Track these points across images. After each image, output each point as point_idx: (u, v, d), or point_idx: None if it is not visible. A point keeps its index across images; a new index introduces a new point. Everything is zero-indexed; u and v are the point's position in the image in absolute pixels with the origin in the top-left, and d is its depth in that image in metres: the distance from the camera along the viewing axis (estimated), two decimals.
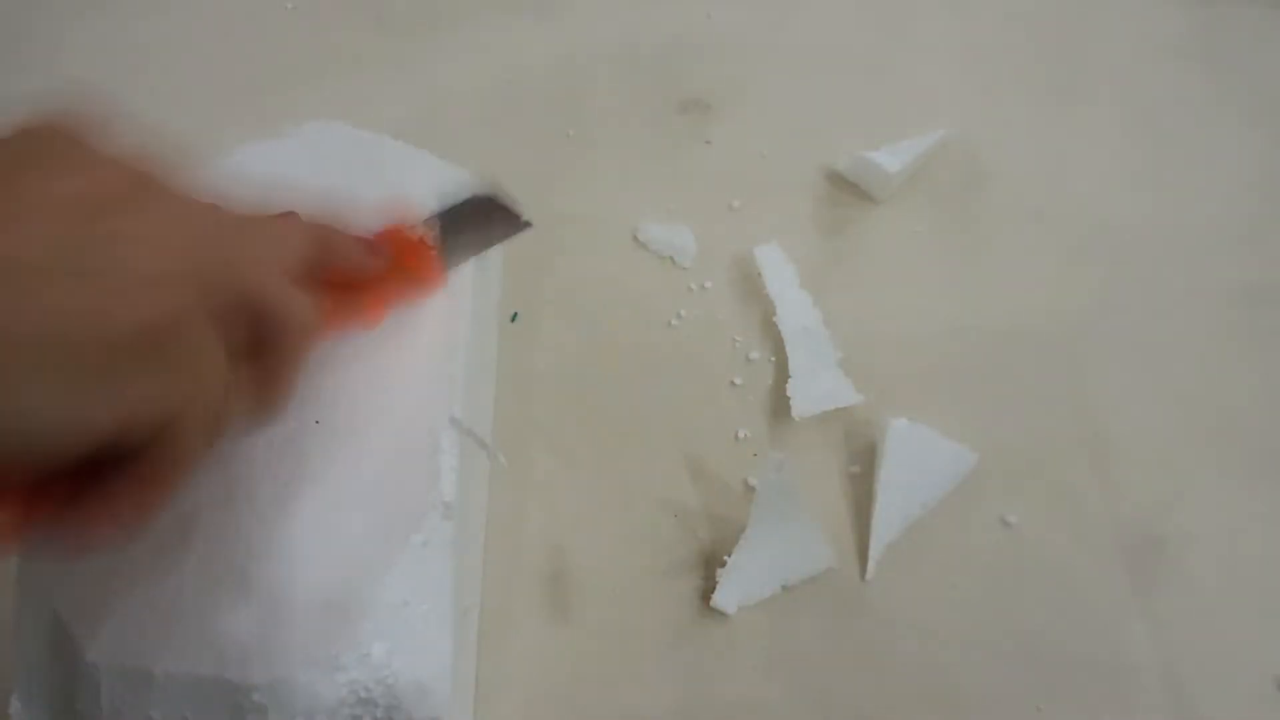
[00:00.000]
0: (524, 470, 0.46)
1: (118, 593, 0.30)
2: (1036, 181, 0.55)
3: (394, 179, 0.40)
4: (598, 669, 0.41)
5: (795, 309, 0.49)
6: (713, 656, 0.42)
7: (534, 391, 0.48)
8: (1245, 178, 0.55)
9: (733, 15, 0.61)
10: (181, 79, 0.58)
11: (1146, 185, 0.55)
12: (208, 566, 0.31)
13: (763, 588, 0.43)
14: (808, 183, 0.54)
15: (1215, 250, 0.52)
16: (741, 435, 0.47)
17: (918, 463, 0.45)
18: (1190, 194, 0.54)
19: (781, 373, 0.48)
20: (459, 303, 0.37)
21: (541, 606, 0.43)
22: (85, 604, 0.31)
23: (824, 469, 0.46)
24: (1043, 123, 0.57)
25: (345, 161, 0.41)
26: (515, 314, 0.50)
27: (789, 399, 0.46)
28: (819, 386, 0.46)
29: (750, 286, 0.51)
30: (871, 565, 0.43)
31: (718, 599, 0.42)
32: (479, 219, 0.38)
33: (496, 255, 0.49)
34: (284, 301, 0.28)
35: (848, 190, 0.54)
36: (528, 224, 0.39)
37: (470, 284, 0.38)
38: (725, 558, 0.42)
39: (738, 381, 0.48)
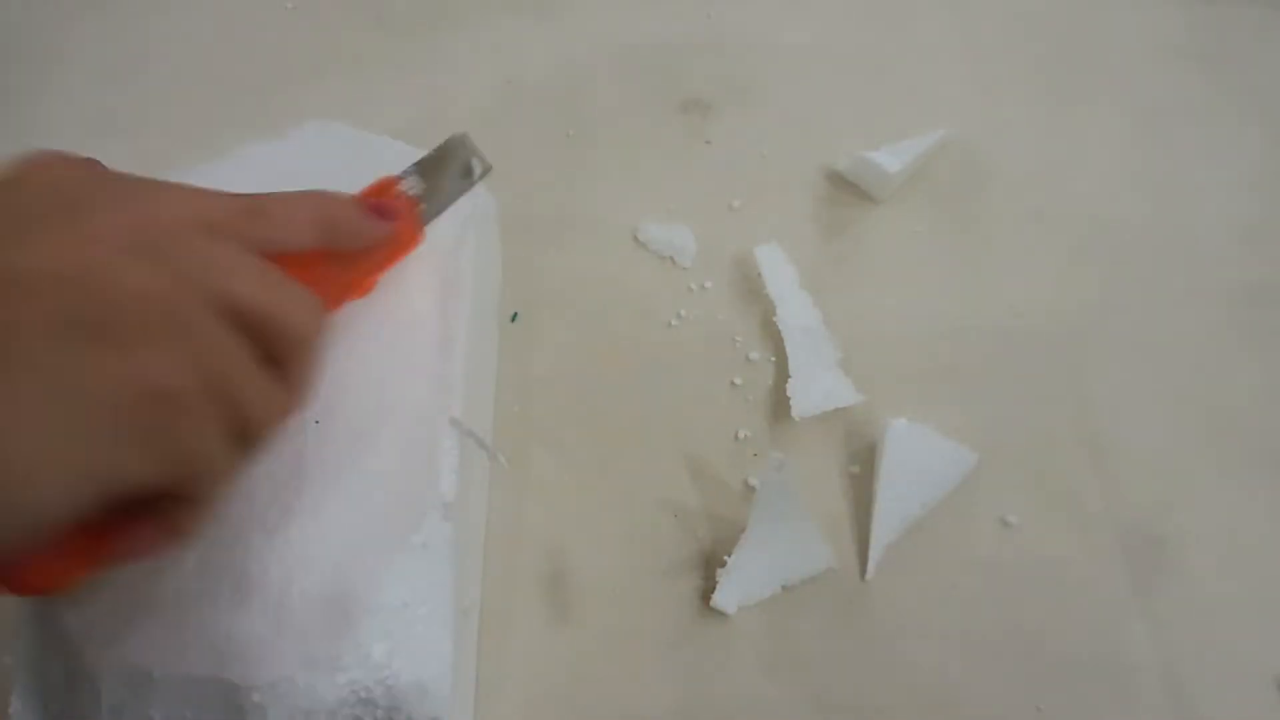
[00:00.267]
0: (524, 470, 0.46)
1: (118, 593, 0.30)
2: (1036, 181, 0.55)
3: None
4: (598, 669, 0.41)
5: (795, 309, 0.49)
6: (713, 656, 0.42)
7: (534, 391, 0.48)
8: (1245, 178, 0.55)
9: (733, 15, 0.61)
10: (181, 79, 0.58)
11: (1146, 185, 0.55)
12: (208, 566, 0.31)
13: (763, 588, 0.43)
14: (808, 183, 0.54)
15: (1215, 250, 0.52)
16: (741, 435, 0.47)
17: (918, 463, 0.45)
18: (1190, 194, 0.54)
19: (781, 373, 0.48)
20: (459, 303, 0.37)
21: (541, 606, 0.43)
22: (85, 604, 0.31)
23: (824, 469, 0.46)
24: (1043, 123, 0.57)
25: (345, 161, 0.41)
26: (515, 314, 0.50)
27: (789, 399, 0.46)
28: (819, 386, 0.46)
29: (750, 286, 0.51)
30: (871, 565, 0.43)
31: (718, 599, 0.42)
32: (450, 167, 0.37)
33: (496, 255, 0.49)
34: (290, 304, 0.28)
35: (848, 190, 0.54)
36: (488, 168, 0.39)
37: (470, 284, 0.38)
38: (725, 558, 0.42)
39: (738, 381, 0.48)
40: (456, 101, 0.57)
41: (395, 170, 0.38)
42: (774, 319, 0.49)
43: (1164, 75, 0.59)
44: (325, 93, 0.57)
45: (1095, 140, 0.56)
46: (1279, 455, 0.47)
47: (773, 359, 0.49)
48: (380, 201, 0.34)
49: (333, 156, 0.41)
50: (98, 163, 0.28)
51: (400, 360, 0.35)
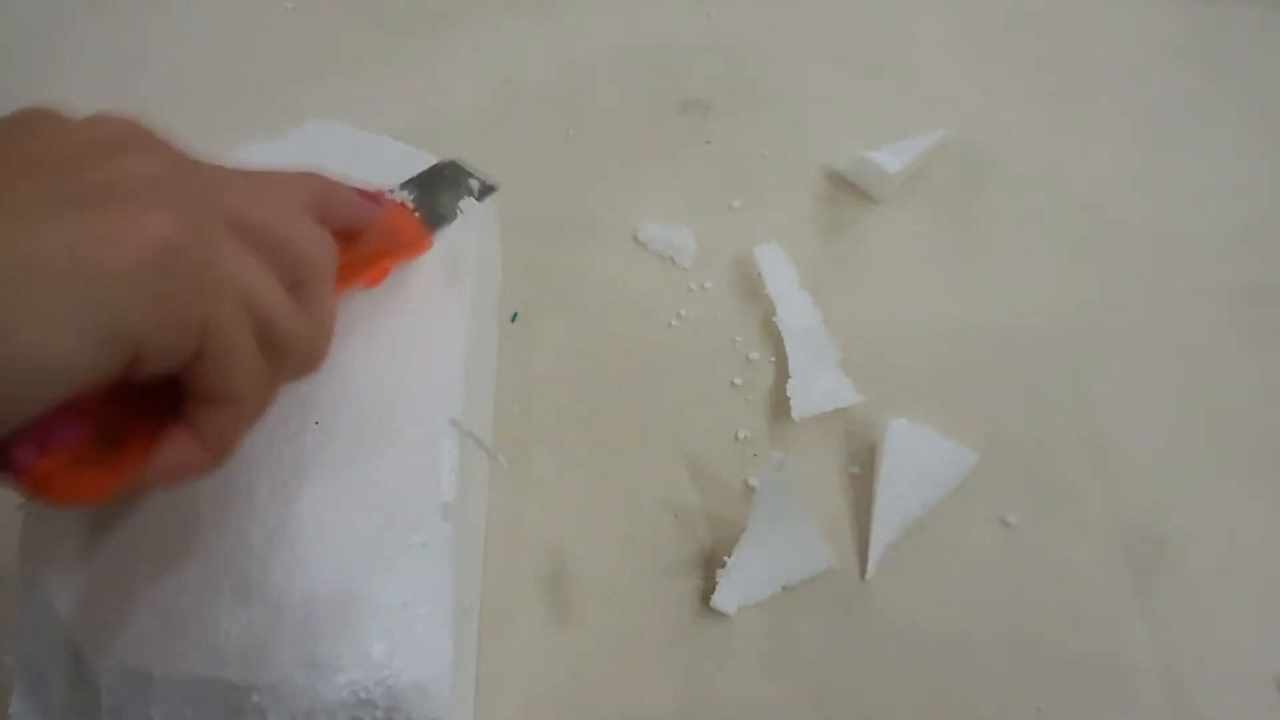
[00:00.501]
0: (524, 470, 0.46)
1: (118, 593, 0.30)
2: (1036, 181, 0.55)
3: (394, 179, 0.40)
4: (598, 669, 0.41)
5: (795, 309, 0.49)
6: (713, 656, 0.42)
7: (534, 391, 0.48)
8: (1245, 178, 0.55)
9: (733, 15, 0.61)
10: (181, 79, 0.58)
11: (1146, 185, 0.55)
12: (208, 567, 0.31)
13: (763, 588, 0.43)
14: (808, 183, 0.54)
15: (1215, 250, 0.52)
16: (741, 435, 0.47)
17: (918, 463, 0.45)
18: (1190, 194, 0.54)
19: (781, 373, 0.48)
20: (459, 303, 0.37)
21: (541, 606, 0.43)
22: (85, 604, 0.31)
23: (824, 469, 0.46)
24: (1043, 123, 0.57)
25: (345, 162, 0.40)
26: (515, 314, 0.50)
27: (789, 399, 0.46)
28: (819, 386, 0.46)
29: (750, 286, 0.51)
30: (871, 565, 0.43)
31: (718, 599, 0.42)
32: (447, 185, 0.39)
33: (496, 255, 0.49)
34: (303, 229, 0.28)
35: (848, 190, 0.54)
36: (493, 188, 0.40)
37: (470, 284, 0.38)
38: (725, 558, 0.42)
39: (738, 381, 0.48)
40: (456, 101, 0.57)
41: (395, 170, 0.38)
42: (774, 319, 0.49)
43: (1164, 75, 0.59)
44: (325, 93, 0.57)
45: (1095, 140, 0.56)
46: (1279, 455, 0.47)
47: (773, 359, 0.49)
48: (371, 191, 0.34)
49: (333, 156, 0.41)
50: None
51: (400, 361, 0.35)
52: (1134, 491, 0.45)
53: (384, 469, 0.33)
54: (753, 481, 0.45)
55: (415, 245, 0.36)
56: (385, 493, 0.33)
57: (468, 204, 0.39)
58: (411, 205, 0.37)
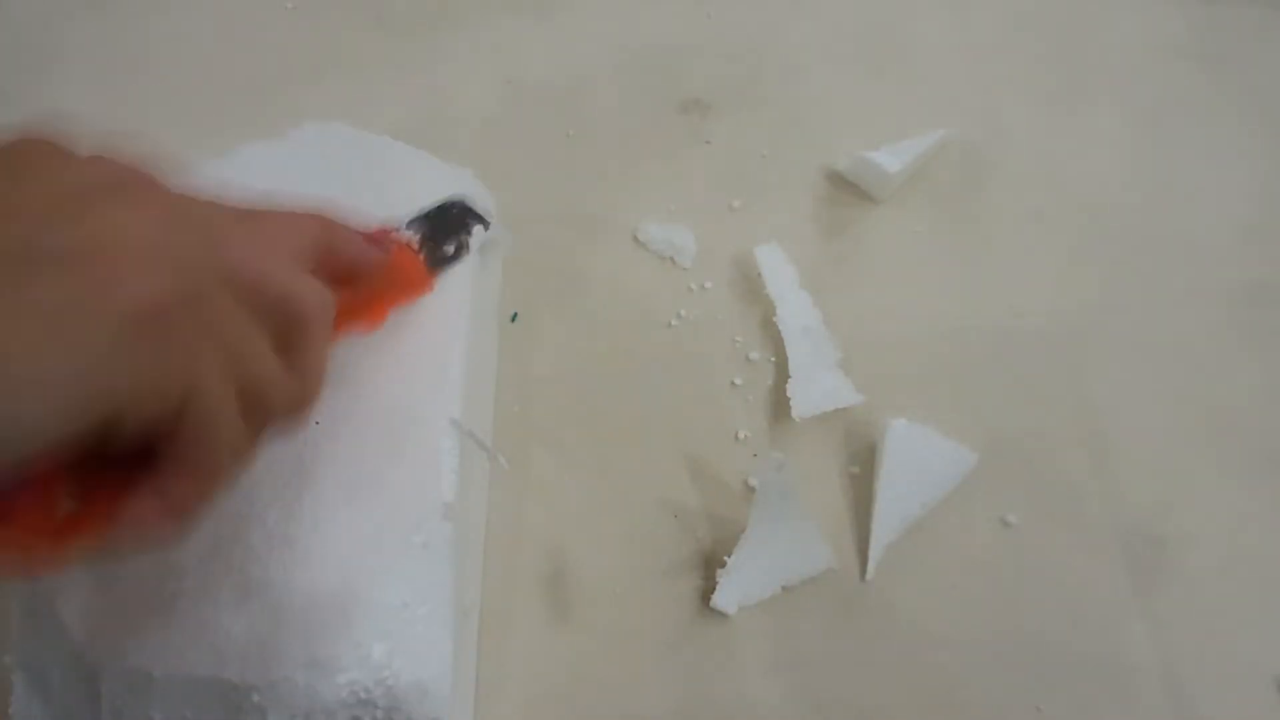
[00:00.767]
0: (524, 470, 0.46)
1: (118, 593, 0.30)
2: (1036, 181, 0.55)
3: (394, 179, 0.40)
4: (598, 669, 0.41)
5: (795, 309, 0.49)
6: (713, 656, 0.42)
7: (534, 391, 0.48)
8: (1245, 178, 0.55)
9: (733, 15, 0.61)
10: (181, 79, 0.58)
11: (1146, 185, 0.55)
12: (208, 566, 0.31)
13: (763, 588, 0.43)
14: (808, 183, 0.54)
15: (1215, 250, 0.52)
16: (741, 435, 0.47)
17: (918, 463, 0.45)
18: (1190, 194, 0.54)
19: (781, 373, 0.48)
20: (459, 303, 0.37)
21: (541, 606, 0.43)
22: (86, 604, 0.31)
23: (824, 469, 0.46)
24: (1043, 123, 0.57)
25: (345, 162, 0.41)
26: (515, 314, 0.50)
27: (789, 399, 0.46)
28: (819, 386, 0.46)
29: (750, 286, 0.51)
30: (871, 565, 0.43)
31: (718, 599, 0.42)
32: (453, 224, 0.38)
33: (496, 255, 0.49)
34: (300, 286, 0.27)
35: (848, 190, 0.54)
36: (495, 227, 0.40)
37: (470, 284, 0.38)
38: (725, 558, 0.42)
39: (738, 381, 0.48)
40: (456, 101, 0.57)
41: (395, 170, 0.38)
42: (774, 319, 0.49)
43: (1164, 75, 0.59)
44: (325, 93, 0.57)
45: (1095, 140, 0.56)
46: (1279, 455, 0.47)
47: (773, 359, 0.49)
48: (374, 233, 0.33)
49: (333, 156, 0.41)
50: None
51: (400, 361, 0.35)
52: (1134, 491, 0.45)
53: (384, 469, 0.33)
54: (753, 481, 0.45)
55: (417, 286, 0.36)
56: (385, 493, 0.33)
57: (478, 238, 0.39)
58: (416, 245, 0.36)
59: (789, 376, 0.47)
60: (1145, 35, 0.60)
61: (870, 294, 0.51)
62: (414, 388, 0.35)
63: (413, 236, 0.36)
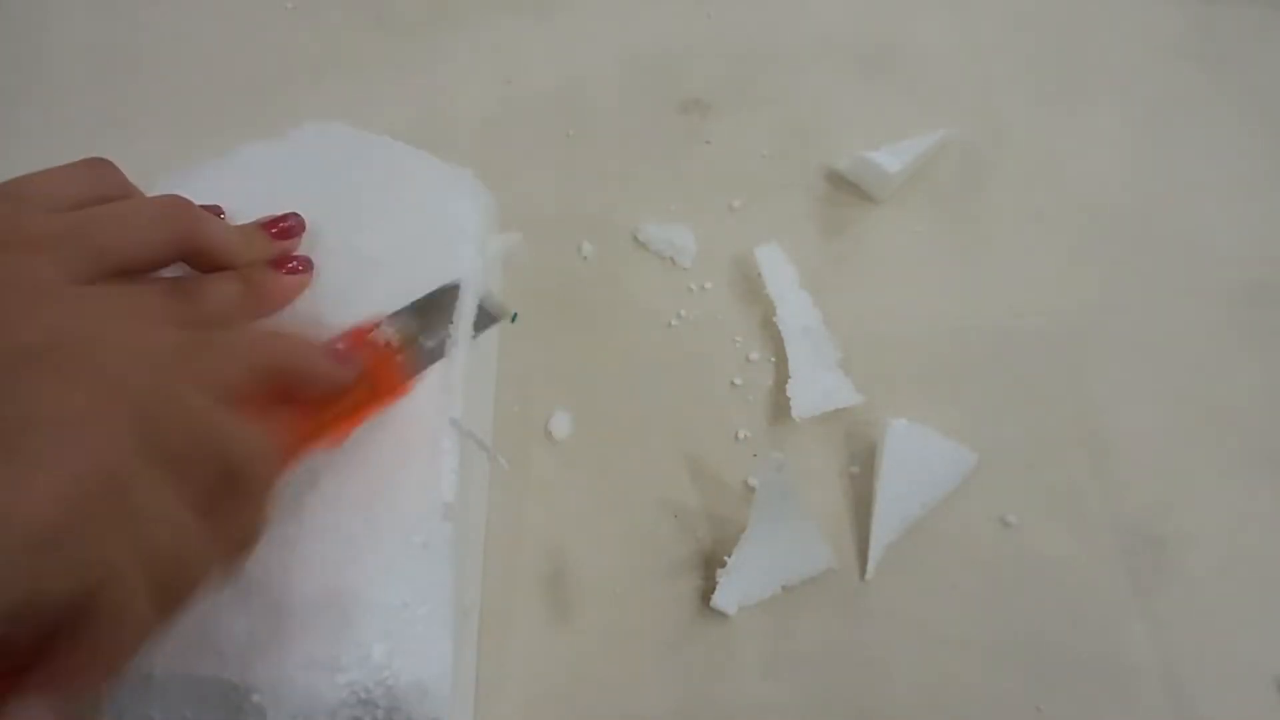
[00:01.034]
0: (524, 470, 0.46)
1: None
2: (1036, 181, 0.55)
3: (394, 179, 0.40)
4: (598, 669, 0.41)
5: (795, 309, 0.49)
6: (713, 656, 0.42)
7: (534, 392, 0.48)
8: (1245, 178, 0.55)
9: (733, 15, 0.61)
10: (181, 79, 0.58)
11: (1146, 185, 0.55)
12: None
13: (763, 588, 0.43)
14: (808, 183, 0.54)
15: (1215, 250, 0.52)
16: (741, 435, 0.47)
17: (918, 463, 0.45)
18: (1190, 194, 0.54)
19: (781, 373, 0.48)
20: (459, 304, 0.37)
21: (541, 606, 0.43)
22: None
23: (824, 469, 0.46)
24: (1043, 123, 0.57)
25: (345, 162, 0.41)
26: (515, 314, 0.50)
27: (789, 399, 0.46)
28: (819, 386, 0.46)
29: (750, 286, 0.51)
30: (871, 565, 0.43)
31: (718, 599, 0.42)
32: (443, 315, 0.35)
33: (496, 255, 0.49)
34: (236, 438, 0.25)
35: (848, 190, 0.54)
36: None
37: (471, 284, 0.38)
38: (725, 558, 0.42)
39: (738, 381, 0.48)
40: (456, 101, 0.57)
41: (395, 170, 0.38)
42: (774, 319, 0.49)
43: (1164, 75, 0.59)
44: (325, 93, 0.57)
45: (1095, 140, 0.56)
46: (1279, 455, 0.47)
47: (773, 359, 0.49)
48: (347, 338, 0.32)
49: (333, 156, 0.41)
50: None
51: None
52: (1134, 491, 0.45)
53: (384, 469, 0.33)
54: (753, 481, 0.45)
55: (390, 393, 0.33)
56: (385, 493, 0.33)
57: (469, 334, 0.35)
58: (398, 342, 0.33)
59: (789, 376, 0.47)
60: (1145, 35, 0.60)
61: (870, 294, 0.51)
62: (414, 388, 0.35)
63: (394, 335, 0.33)
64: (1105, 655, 0.42)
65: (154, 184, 0.36)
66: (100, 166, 0.31)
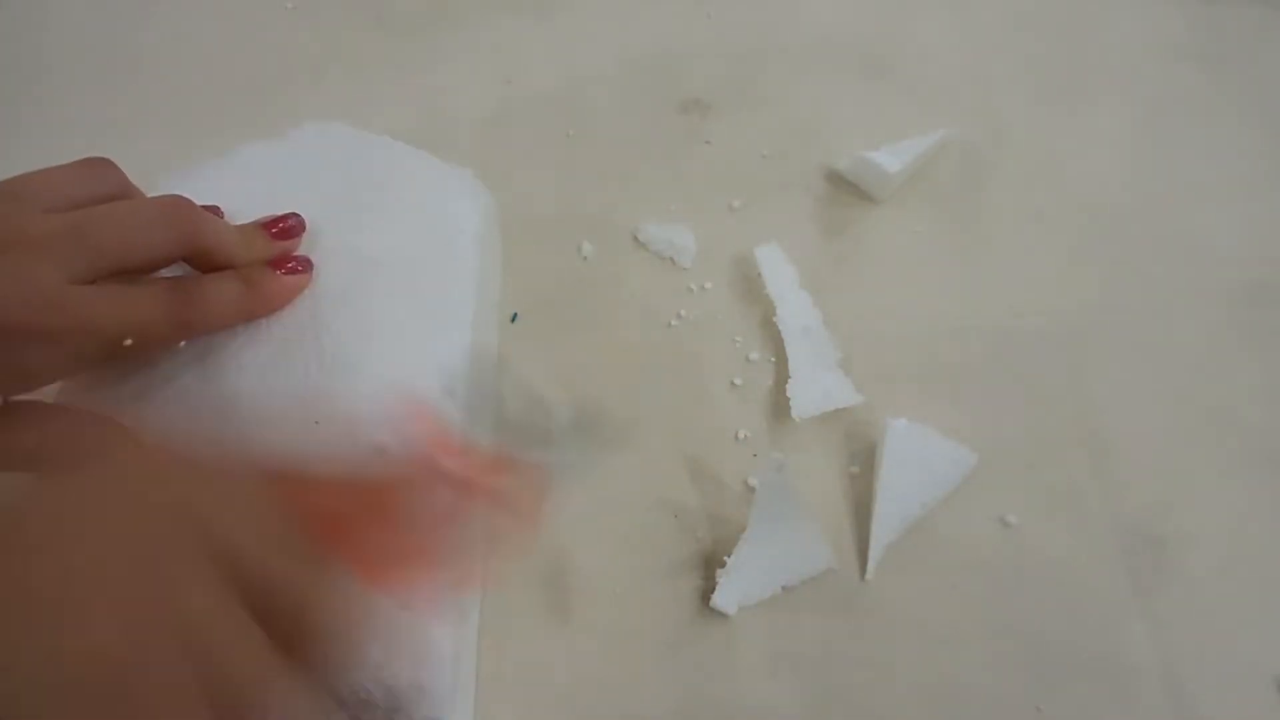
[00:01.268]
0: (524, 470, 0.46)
1: None
2: (1036, 181, 0.55)
3: (394, 179, 0.40)
4: (598, 669, 0.41)
5: (795, 309, 0.49)
6: (713, 656, 0.42)
7: (534, 391, 0.48)
8: (1245, 177, 0.55)
9: (733, 15, 0.61)
10: (181, 79, 0.58)
11: (1147, 185, 0.55)
12: None
13: (763, 588, 0.43)
14: (808, 183, 0.54)
15: (1215, 250, 0.52)
16: (741, 435, 0.47)
17: (918, 463, 0.45)
18: (1190, 194, 0.54)
19: (781, 373, 0.48)
20: (460, 303, 0.37)
21: (541, 607, 0.43)
22: None
23: (824, 469, 0.46)
24: (1043, 123, 0.57)
25: (345, 162, 0.41)
26: (515, 314, 0.50)
27: (789, 399, 0.46)
28: (819, 386, 0.46)
29: (750, 286, 0.51)
30: (871, 565, 0.43)
31: (718, 599, 0.42)
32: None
33: (496, 255, 0.49)
34: (303, 582, 0.24)
35: (848, 190, 0.54)
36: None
37: (472, 284, 0.38)
38: (725, 558, 0.42)
39: (738, 381, 0.48)
40: (456, 101, 0.57)
41: (395, 171, 0.37)
42: (774, 319, 0.49)
43: (1164, 75, 0.59)
44: (325, 93, 0.57)
45: (1095, 140, 0.56)
46: (1279, 455, 0.47)
47: (773, 359, 0.49)
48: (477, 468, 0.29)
49: (333, 156, 0.41)
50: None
51: (401, 360, 0.35)
52: (1134, 491, 0.45)
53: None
54: (753, 481, 0.45)
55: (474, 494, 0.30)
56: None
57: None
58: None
59: (789, 376, 0.47)
60: (1145, 35, 0.60)
61: (870, 294, 0.51)
62: (414, 387, 0.35)
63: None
64: (1105, 655, 0.42)
65: (154, 184, 0.36)
66: (100, 166, 0.31)
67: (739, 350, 0.49)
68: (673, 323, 0.50)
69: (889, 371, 0.48)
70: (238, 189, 0.37)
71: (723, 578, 0.42)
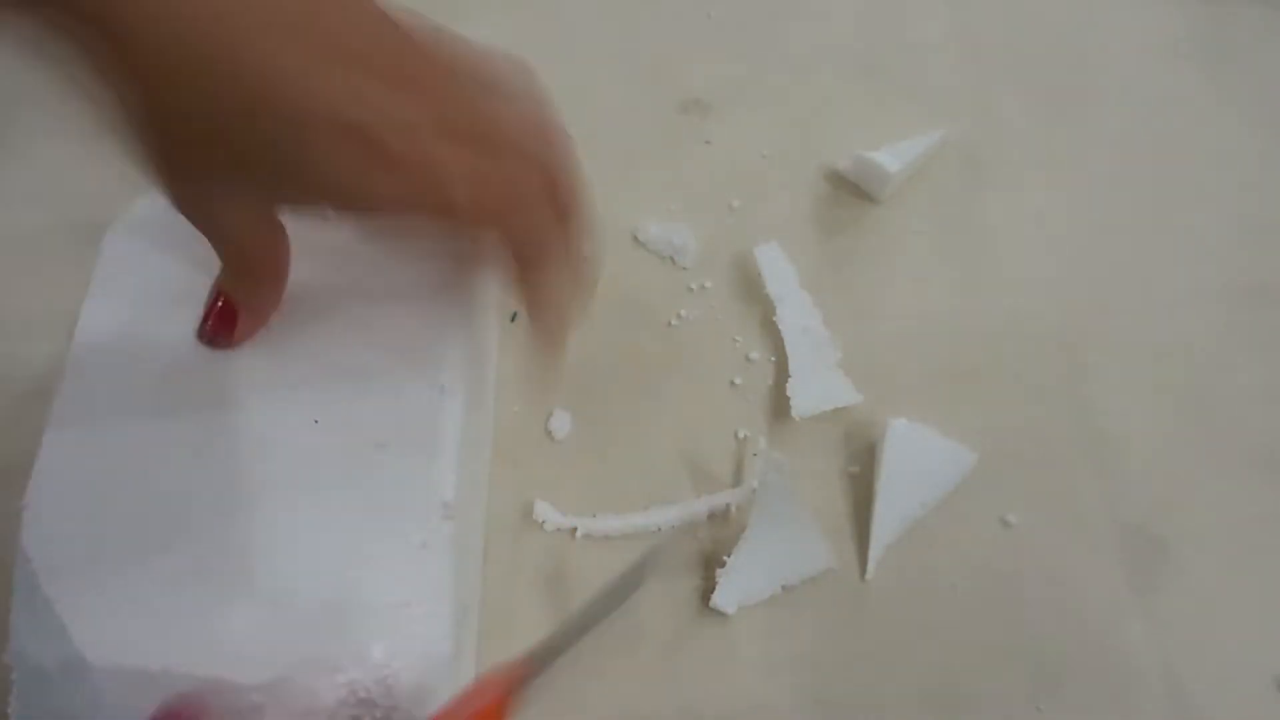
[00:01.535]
0: (524, 470, 0.46)
1: (118, 593, 0.30)
2: (1036, 181, 0.55)
3: None
4: (598, 669, 0.41)
5: (795, 309, 0.49)
6: (713, 656, 0.42)
7: (534, 391, 0.48)
8: (1245, 178, 0.55)
9: (733, 15, 0.61)
10: None
11: (1147, 185, 0.55)
12: (207, 566, 0.31)
13: (763, 588, 0.43)
14: (808, 183, 0.54)
15: (1215, 250, 0.52)
16: (741, 435, 0.47)
17: (918, 463, 0.45)
18: (1190, 194, 0.54)
19: (781, 373, 0.48)
20: (460, 302, 0.37)
21: (541, 606, 0.43)
22: (85, 604, 0.31)
23: (824, 469, 0.46)
24: (1043, 123, 0.57)
25: None
26: (515, 314, 0.50)
27: (789, 399, 0.46)
28: (819, 386, 0.46)
29: (750, 286, 0.51)
30: (871, 565, 0.43)
31: (718, 599, 0.42)
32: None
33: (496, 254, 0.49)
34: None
35: (848, 190, 0.54)
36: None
37: (471, 283, 0.38)
38: (725, 558, 0.42)
39: (738, 381, 0.48)
40: None
41: None
42: (774, 319, 0.49)
43: (1164, 75, 0.59)
44: None
45: (1095, 140, 0.56)
46: (1279, 455, 0.47)
47: (773, 359, 0.49)
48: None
49: None
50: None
51: (400, 360, 0.35)
52: (1134, 491, 0.45)
53: (384, 468, 0.33)
54: (753, 481, 0.45)
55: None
56: (385, 492, 0.33)
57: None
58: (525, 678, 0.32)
59: (789, 376, 0.47)
60: (1145, 35, 0.60)
61: (870, 294, 0.51)
62: (414, 387, 0.35)
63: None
64: (1105, 655, 0.42)
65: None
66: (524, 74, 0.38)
67: (739, 350, 0.49)
68: (673, 322, 0.50)
69: (889, 371, 0.48)
70: None
71: (723, 578, 0.42)
